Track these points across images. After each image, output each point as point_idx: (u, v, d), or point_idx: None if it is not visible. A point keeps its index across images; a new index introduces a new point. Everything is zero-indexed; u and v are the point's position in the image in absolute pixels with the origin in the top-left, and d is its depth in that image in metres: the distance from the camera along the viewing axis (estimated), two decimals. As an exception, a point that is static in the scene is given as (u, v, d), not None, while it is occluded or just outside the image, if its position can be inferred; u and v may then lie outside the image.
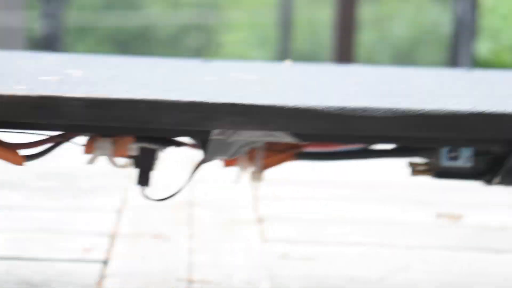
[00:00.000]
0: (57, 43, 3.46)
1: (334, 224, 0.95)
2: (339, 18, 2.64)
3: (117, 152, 0.51)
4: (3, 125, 0.43)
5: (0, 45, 3.26)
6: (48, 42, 3.49)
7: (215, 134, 0.46)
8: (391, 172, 1.16)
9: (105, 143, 0.50)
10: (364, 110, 0.40)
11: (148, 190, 0.54)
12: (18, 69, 0.56)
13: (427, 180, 0.63)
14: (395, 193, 1.16)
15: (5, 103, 0.39)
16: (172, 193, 0.53)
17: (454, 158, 0.54)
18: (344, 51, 2.63)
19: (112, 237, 0.82)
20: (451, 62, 3.60)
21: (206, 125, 0.43)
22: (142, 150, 0.52)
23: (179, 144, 0.54)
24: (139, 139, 0.51)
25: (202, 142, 0.51)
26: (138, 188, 0.53)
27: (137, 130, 0.47)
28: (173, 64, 0.65)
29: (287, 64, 0.71)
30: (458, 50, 3.52)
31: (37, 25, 3.67)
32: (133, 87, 0.47)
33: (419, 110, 0.40)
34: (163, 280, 0.64)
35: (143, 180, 0.53)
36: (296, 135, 0.46)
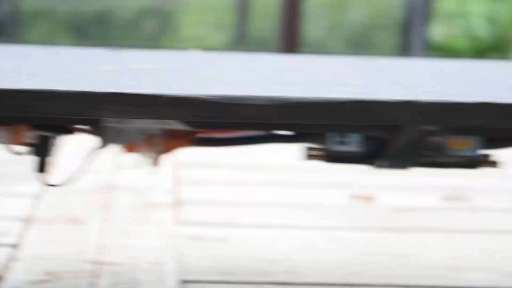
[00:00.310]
0: (11, 28, 3.34)
1: (249, 206, 1.00)
2: (284, 5, 2.67)
3: (14, 140, 0.53)
4: None
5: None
6: (1, 28, 3.37)
7: (108, 122, 0.48)
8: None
9: (1, 131, 0.51)
10: (243, 98, 0.43)
11: (49, 176, 0.56)
12: None
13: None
14: (310, 176, 1.22)
15: None
16: (68, 179, 0.56)
17: (342, 143, 0.59)
18: (289, 39, 2.67)
19: (27, 221, 0.83)
20: (404, 47, 3.67)
21: (92, 114, 0.43)
22: (38, 137, 0.53)
23: (76, 131, 0.55)
24: (34, 127, 0.53)
25: (97, 129, 0.53)
26: (36, 174, 0.55)
27: (30, 119, 0.49)
28: (78, 53, 0.67)
29: (196, 52, 0.74)
30: (411, 35, 3.60)
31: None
32: (24, 78, 0.48)
33: (291, 98, 0.44)
34: (71, 262, 0.67)
35: (40, 167, 0.55)
36: (186, 122, 0.49)
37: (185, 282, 0.63)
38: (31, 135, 0.52)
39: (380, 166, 0.62)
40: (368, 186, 1.17)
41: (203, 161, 1.15)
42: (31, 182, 1.10)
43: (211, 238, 0.80)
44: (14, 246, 0.72)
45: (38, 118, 0.47)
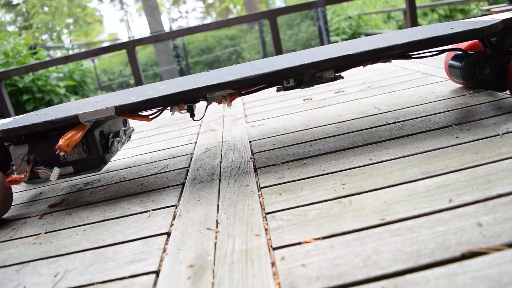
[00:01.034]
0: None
1: (271, 112, 2.24)
2: None
3: (179, 108, 1.74)
4: None
5: None
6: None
7: (210, 95, 1.67)
8: None
9: (175, 107, 1.74)
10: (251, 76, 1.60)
11: (193, 117, 1.80)
12: None
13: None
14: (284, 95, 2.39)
15: None
16: (203, 116, 1.80)
17: (288, 83, 1.72)
18: None
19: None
20: None
21: (206, 93, 1.63)
22: (189, 106, 1.73)
23: (199, 100, 1.76)
24: (185, 102, 1.73)
25: (205, 98, 1.73)
26: (191, 118, 1.79)
27: (185, 100, 1.69)
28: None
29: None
30: None
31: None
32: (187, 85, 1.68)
33: (276, 69, 1.59)
34: (213, 142, 1.94)
35: (191, 115, 1.76)
36: (235, 88, 1.66)
37: (251, 141, 1.87)
38: (185, 106, 1.65)
39: (303, 88, 1.72)
40: (310, 94, 2.33)
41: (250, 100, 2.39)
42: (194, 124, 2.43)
43: (258, 125, 2.04)
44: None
45: (186, 100, 1.54)
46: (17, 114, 5.32)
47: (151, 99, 1.32)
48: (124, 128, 1.69)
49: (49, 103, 5.53)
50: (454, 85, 2.09)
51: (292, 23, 12.08)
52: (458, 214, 0.92)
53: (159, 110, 1.52)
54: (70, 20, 17.61)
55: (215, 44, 13.66)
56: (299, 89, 2.61)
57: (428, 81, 2.30)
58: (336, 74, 1.50)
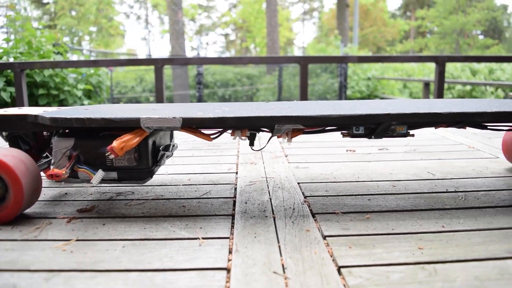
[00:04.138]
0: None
1: (312, 156, 2.13)
2: None
3: (242, 134, 1.64)
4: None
5: None
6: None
7: (277, 126, 1.57)
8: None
9: (238, 131, 1.63)
10: (322, 115, 1.50)
11: (254, 146, 1.69)
12: None
13: None
14: (346, 142, 2.31)
15: None
16: (262, 147, 1.70)
17: (358, 130, 1.62)
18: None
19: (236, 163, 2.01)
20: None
21: (272, 124, 1.53)
22: (251, 134, 1.63)
23: (261, 130, 1.65)
24: (249, 129, 1.62)
25: (272, 129, 1.62)
26: (250, 146, 1.67)
27: (249, 127, 1.59)
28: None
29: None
30: None
31: None
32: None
33: (334, 114, 1.50)
34: (257, 176, 1.82)
35: (251, 143, 1.67)
36: (302, 125, 1.56)
37: (299, 182, 1.75)
38: (248, 132, 1.49)
39: (372, 138, 1.58)
40: (353, 146, 2.24)
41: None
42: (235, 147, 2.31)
43: (302, 167, 1.93)
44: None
45: (256, 126, 1.41)
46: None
47: (223, 118, 1.22)
48: (172, 143, 1.58)
49: (62, 102, 5.42)
50: (507, 164, 2.00)
51: (311, 74, 12.22)
52: None
53: (219, 132, 1.42)
54: (94, 29, 17.85)
55: (233, 80, 13.76)
56: (342, 138, 2.52)
57: (477, 155, 2.22)
58: (407, 131, 1.41)
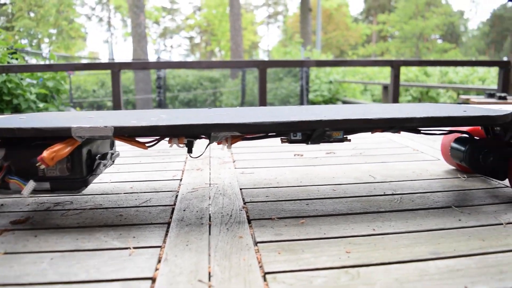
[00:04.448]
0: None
1: (260, 161, 2.16)
2: None
3: (179, 141, 1.64)
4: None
5: None
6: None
7: (214, 133, 1.58)
8: None
9: (175, 139, 1.63)
10: (260, 122, 1.52)
11: (192, 154, 1.69)
12: None
13: None
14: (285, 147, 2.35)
15: None
16: (200, 154, 1.70)
17: (295, 136, 1.65)
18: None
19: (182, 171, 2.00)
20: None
21: (211, 131, 1.54)
22: (188, 141, 1.64)
23: (200, 137, 1.66)
24: (186, 137, 1.63)
25: (209, 136, 1.64)
26: (187, 153, 1.68)
27: (186, 134, 1.60)
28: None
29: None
30: None
31: None
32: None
33: (277, 121, 1.52)
34: (201, 183, 1.83)
35: (189, 150, 1.66)
36: (240, 132, 1.58)
37: (241, 188, 1.77)
38: (185, 140, 1.53)
39: (309, 144, 1.65)
40: (301, 150, 2.29)
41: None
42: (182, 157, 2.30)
43: (248, 173, 1.95)
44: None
45: (191, 134, 1.49)
46: (-22, 113, 5.01)
47: (156, 127, 1.22)
48: (111, 151, 1.56)
49: (16, 108, 5.25)
50: (447, 166, 2.09)
51: (275, 77, 12.30)
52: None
53: (156, 139, 1.42)
54: (54, 31, 17.35)
55: (195, 84, 13.69)
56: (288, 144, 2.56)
57: (419, 158, 2.30)
58: (344, 136, 1.45)
